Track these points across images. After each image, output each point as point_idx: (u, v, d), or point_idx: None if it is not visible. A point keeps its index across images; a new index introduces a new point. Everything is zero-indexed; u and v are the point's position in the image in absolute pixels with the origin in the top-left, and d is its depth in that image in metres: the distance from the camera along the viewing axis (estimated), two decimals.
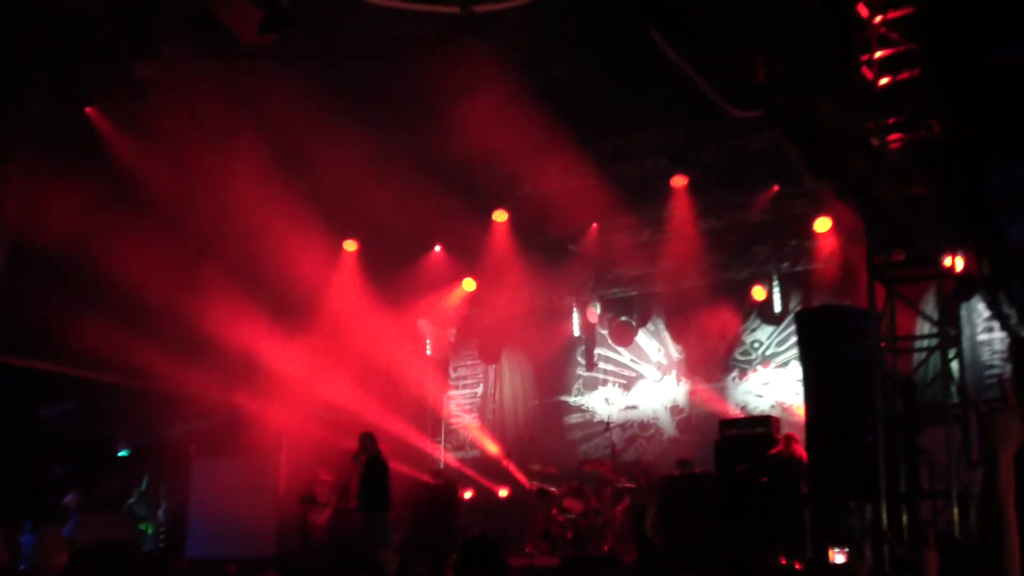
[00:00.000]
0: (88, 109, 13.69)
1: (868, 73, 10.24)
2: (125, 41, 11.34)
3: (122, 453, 17.00)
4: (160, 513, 16.15)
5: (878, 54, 10.22)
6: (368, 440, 13.20)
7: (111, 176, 13.76)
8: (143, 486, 16.44)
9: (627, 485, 15.36)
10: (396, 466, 13.97)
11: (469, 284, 18.78)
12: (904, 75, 10.10)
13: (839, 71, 9.98)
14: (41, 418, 14.69)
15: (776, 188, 15.86)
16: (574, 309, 19.35)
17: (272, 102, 13.92)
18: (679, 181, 16.02)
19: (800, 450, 12.75)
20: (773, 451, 12.91)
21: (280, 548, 14.45)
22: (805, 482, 12.32)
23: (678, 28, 7.38)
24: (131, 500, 16.16)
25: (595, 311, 18.86)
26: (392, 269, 18.43)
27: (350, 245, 18.35)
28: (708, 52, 7.61)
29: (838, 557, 10.75)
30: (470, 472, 18.90)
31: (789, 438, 12.98)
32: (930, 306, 10.97)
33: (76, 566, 3.08)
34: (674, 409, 18.53)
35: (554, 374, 19.79)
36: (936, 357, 10.38)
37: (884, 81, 10.20)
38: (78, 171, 13.32)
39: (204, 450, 16.54)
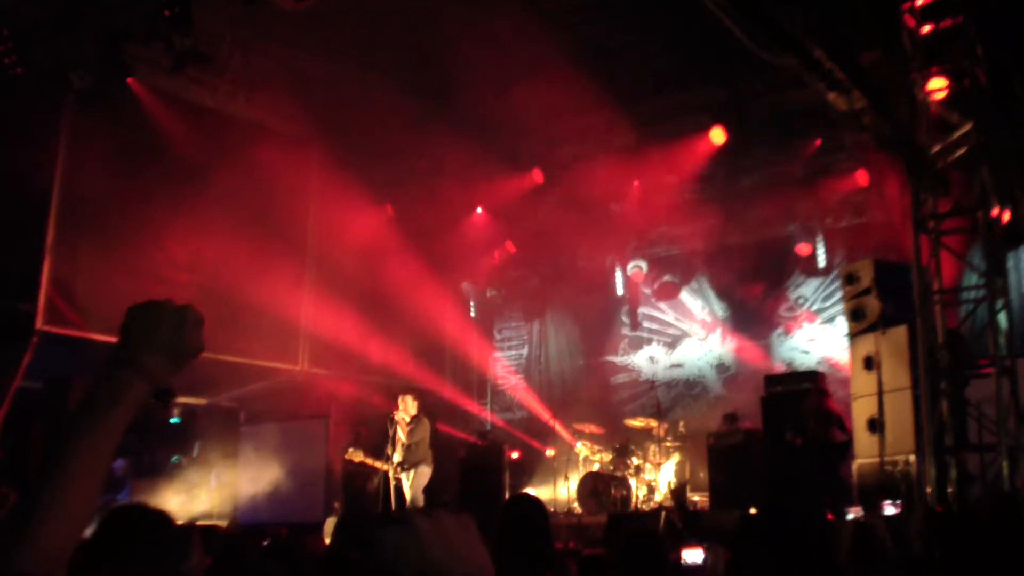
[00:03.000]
0: (131, 81, 13.78)
1: (910, 21, 10.07)
2: (164, 13, 11.38)
3: (173, 420, 17.22)
4: (212, 479, 16.36)
5: (919, 1, 10.05)
6: (408, 401, 13.26)
7: (156, 146, 13.88)
8: (195, 452, 16.65)
9: (674, 443, 15.41)
10: (443, 427, 14.06)
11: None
12: (947, 22, 9.93)
13: (883, 18, 9.83)
14: (84, 387, 14.92)
15: (819, 142, 15.70)
16: (617, 269, 19.30)
17: (311, 68, 13.97)
18: (718, 136, 15.88)
19: (831, 403, 12.69)
20: (805, 405, 12.80)
21: (328, 512, 14.58)
22: (840, 431, 12.28)
23: None
24: (182, 466, 16.37)
25: (641, 270, 18.80)
26: (434, 232, 18.46)
27: (392, 209, 18.40)
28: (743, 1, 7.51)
29: (888, 510, 10.70)
30: (517, 433, 18.99)
31: (821, 391, 12.85)
32: (977, 257, 10.82)
33: (106, 530, 3.07)
34: (720, 367, 18.49)
35: (599, 334, 19.79)
36: (984, 308, 10.25)
37: (927, 29, 10.04)
38: (124, 141, 13.47)
39: (254, 416, 16.72)
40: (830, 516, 11.15)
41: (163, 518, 3.10)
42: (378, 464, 13.09)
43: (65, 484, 1.84)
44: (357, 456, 13.16)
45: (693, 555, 9.23)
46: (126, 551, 2.91)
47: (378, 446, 13.44)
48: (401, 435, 12.95)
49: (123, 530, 2.99)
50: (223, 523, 15.29)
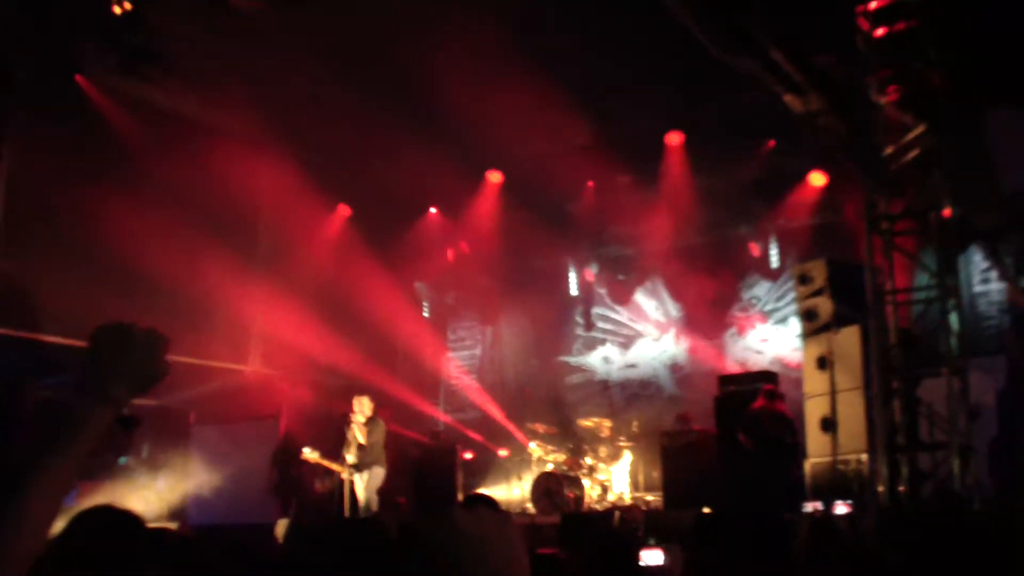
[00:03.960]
0: (78, 77, 13.56)
1: (864, 24, 10.13)
2: (113, 10, 11.18)
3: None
4: (161, 481, 16.16)
5: (873, 4, 10.12)
6: (364, 402, 13.19)
7: (104, 144, 13.68)
8: (144, 454, 16.44)
9: (627, 443, 15.44)
10: (395, 428, 13.98)
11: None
12: (900, 26, 9.99)
13: (838, 21, 9.89)
14: (41, 389, 14.66)
15: (772, 144, 15.79)
16: (571, 269, 19.32)
17: (265, 69, 13.84)
18: (674, 138, 15.94)
19: (782, 405, 12.79)
20: (755, 406, 12.87)
21: (280, 514, 14.45)
22: (790, 436, 12.39)
23: None
24: (130, 468, 16.16)
25: (592, 271, 18.83)
26: (387, 232, 18.36)
27: (345, 209, 18.30)
28: (707, 4, 7.51)
29: (840, 509, 10.77)
30: (470, 433, 18.94)
31: (771, 393, 12.93)
32: (930, 258, 10.91)
33: (75, 529, 3.02)
34: (674, 367, 18.56)
35: (553, 334, 19.80)
36: (935, 309, 10.34)
37: (880, 32, 10.10)
38: (70, 139, 13.24)
39: (203, 417, 16.54)
40: (787, 515, 11.20)
41: (132, 519, 3.05)
42: (333, 465, 12.99)
43: (27, 509, 1.92)
44: (313, 457, 13.05)
45: (652, 556, 9.20)
46: (94, 553, 2.85)
47: (333, 447, 13.35)
48: (358, 436, 12.87)
49: (91, 532, 2.93)
50: (173, 525, 15.10)
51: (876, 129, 10.07)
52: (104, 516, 3.04)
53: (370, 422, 13.03)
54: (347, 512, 12.85)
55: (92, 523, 2.99)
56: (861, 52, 9.99)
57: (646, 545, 9.68)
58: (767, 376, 13.94)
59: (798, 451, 12.32)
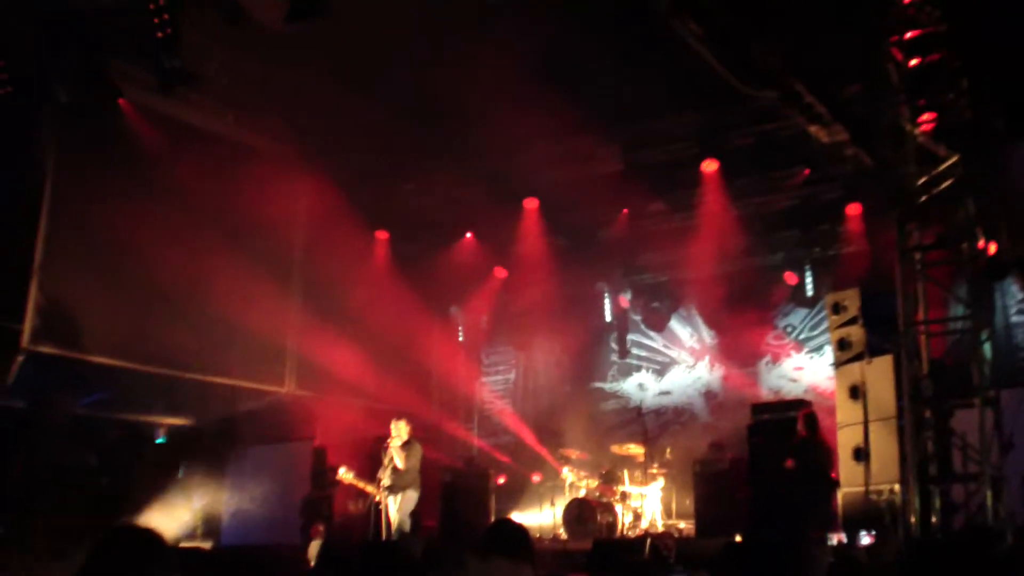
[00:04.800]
0: (121, 100, 13.81)
1: (898, 55, 10.15)
2: (152, 33, 11.39)
3: (159, 441, 17.19)
4: (196, 500, 16.32)
5: (908, 35, 10.14)
6: (402, 426, 13.25)
7: (142, 164, 13.89)
8: (180, 474, 16.61)
9: (660, 470, 15.42)
10: (428, 452, 14.01)
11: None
12: (934, 56, 10.01)
13: (864, 53, 9.91)
14: (76, 407, 14.86)
15: (806, 172, 15.77)
16: (606, 295, 19.34)
17: (299, 89, 14.01)
18: (710, 166, 15.96)
19: (824, 435, 12.74)
20: (803, 434, 12.84)
21: (312, 535, 14.53)
22: (831, 468, 12.34)
23: (691, 9, 7.35)
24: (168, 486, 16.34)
25: (626, 297, 18.84)
26: (423, 256, 18.48)
27: (382, 234, 18.44)
28: (722, 35, 7.58)
29: (864, 539, 10.73)
30: (503, 458, 18.97)
31: (812, 419, 12.86)
32: (963, 289, 10.87)
33: (102, 550, 3.11)
34: (708, 394, 18.52)
35: (587, 360, 19.81)
36: (968, 339, 10.29)
37: (914, 62, 10.12)
38: (110, 159, 13.47)
39: (239, 438, 16.69)
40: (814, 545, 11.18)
41: (156, 539, 3.13)
42: (368, 487, 13.06)
43: None
44: (348, 477, 13.13)
45: None
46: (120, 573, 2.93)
47: (367, 469, 13.43)
48: (396, 459, 12.92)
49: (118, 552, 3.02)
50: (206, 544, 15.24)
51: (908, 159, 10.07)
52: (129, 537, 3.13)
53: (407, 445, 13.08)
54: (381, 534, 12.91)
55: (118, 544, 3.08)
56: (894, 83, 10.01)
57: (674, 572, 9.71)
58: (800, 404, 13.89)
59: (837, 482, 12.29)
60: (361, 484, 13.15)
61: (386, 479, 12.94)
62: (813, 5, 9.03)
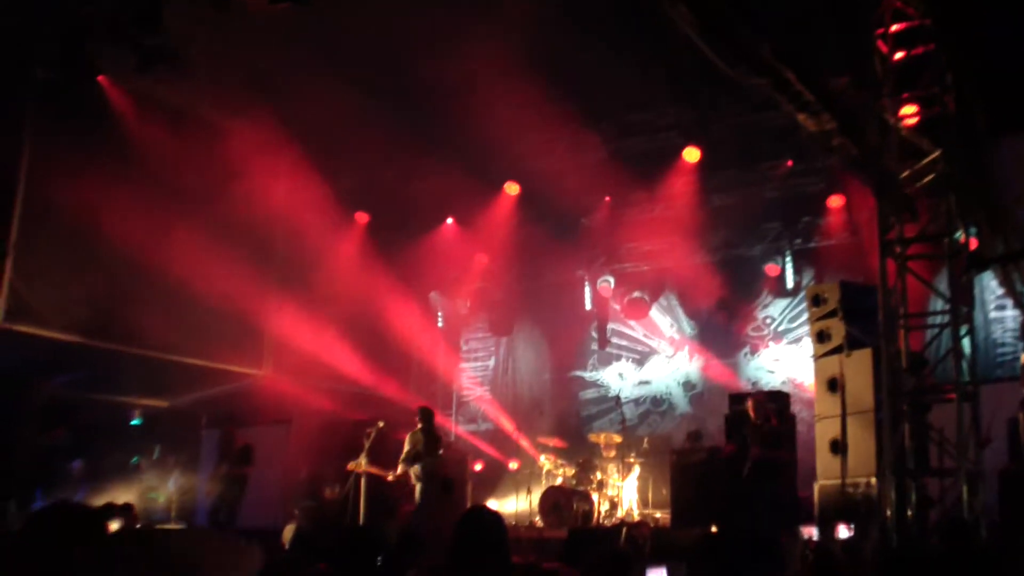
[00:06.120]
0: (100, 78, 13.65)
1: (883, 47, 10.13)
2: (132, 11, 11.24)
3: (135, 422, 17.08)
4: (171, 483, 16.22)
5: (893, 28, 10.11)
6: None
7: (121, 144, 13.76)
8: (155, 455, 16.50)
9: (637, 459, 15.42)
10: (404, 438, 14.02)
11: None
12: (919, 50, 9.99)
13: (854, 45, 9.89)
14: (51, 387, 14.75)
15: (789, 164, 15.77)
16: (586, 283, 19.31)
17: (285, 76, 13.91)
18: (692, 155, 15.93)
19: (775, 420, 12.76)
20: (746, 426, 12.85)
21: (289, 518, 14.49)
22: (783, 451, 12.39)
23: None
24: (142, 468, 16.25)
25: (609, 285, 18.81)
26: (404, 241, 18.41)
27: (362, 217, 18.36)
28: (714, 21, 7.52)
29: (843, 532, 10.72)
30: (481, 444, 18.95)
31: (758, 405, 12.85)
32: (943, 283, 10.88)
33: (33, 528, 3.06)
34: (687, 384, 18.53)
35: (567, 348, 19.78)
36: (948, 334, 10.30)
37: (899, 55, 10.09)
38: (88, 138, 13.34)
39: (214, 421, 16.59)
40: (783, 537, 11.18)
41: (87, 515, 3.08)
42: (388, 474, 13.46)
43: None
44: (360, 466, 13.27)
45: (656, 574, 9.20)
46: (50, 550, 2.89)
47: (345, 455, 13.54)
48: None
49: (47, 528, 2.97)
50: (181, 527, 15.14)
51: (891, 152, 10.05)
52: (59, 514, 3.09)
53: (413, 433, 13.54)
54: (360, 519, 13.05)
55: (48, 520, 3.04)
56: (878, 75, 9.98)
57: (652, 562, 9.69)
58: (778, 396, 13.91)
59: (789, 468, 12.31)
60: (376, 470, 13.43)
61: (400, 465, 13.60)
62: None
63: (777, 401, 13.66)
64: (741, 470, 12.28)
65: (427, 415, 14.07)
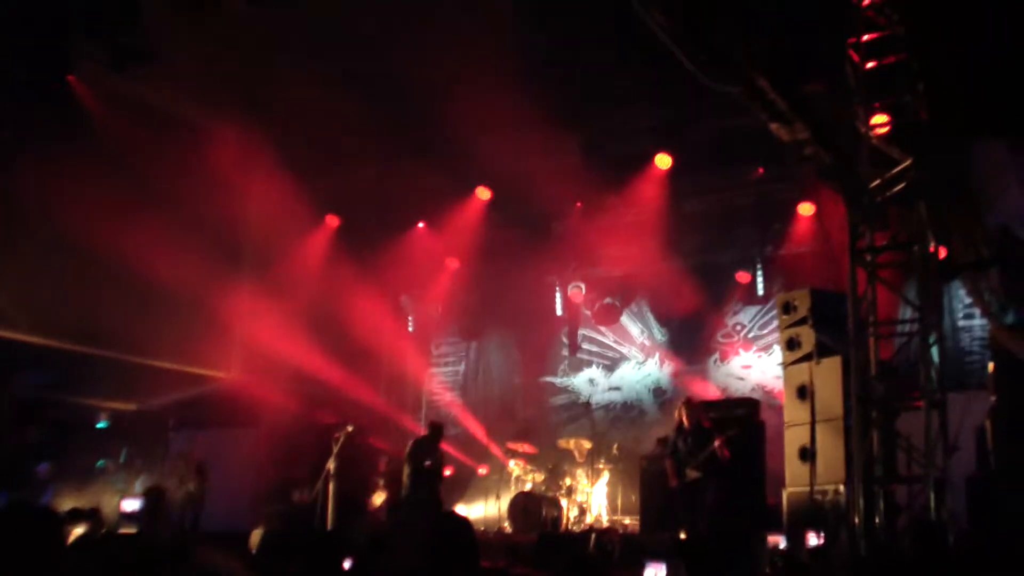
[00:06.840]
0: (70, 77, 13.54)
1: (855, 56, 10.18)
2: (108, 9, 11.18)
3: (101, 425, 16.93)
4: (138, 485, 16.09)
5: (865, 37, 10.16)
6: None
7: (91, 141, 13.65)
8: (122, 458, 16.37)
9: (606, 465, 15.42)
10: (374, 442, 13.98)
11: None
12: (891, 59, 10.04)
13: (828, 54, 9.94)
14: (17, 388, 14.60)
15: (761, 171, 15.83)
16: (557, 289, 19.30)
17: (257, 74, 13.84)
18: (664, 161, 15.97)
19: (707, 423, 12.88)
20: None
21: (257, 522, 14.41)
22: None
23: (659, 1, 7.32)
24: (109, 471, 16.10)
25: (580, 291, 18.81)
26: (374, 244, 18.35)
27: (332, 220, 18.28)
28: (688, 29, 7.55)
29: (812, 540, 10.75)
30: (450, 450, 18.88)
31: (689, 405, 12.99)
32: (912, 291, 10.93)
33: None
34: (657, 391, 18.55)
35: (538, 354, 19.76)
36: (916, 342, 10.35)
37: (871, 64, 10.15)
38: (59, 136, 13.23)
39: (182, 423, 16.48)
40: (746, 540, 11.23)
41: (47, 514, 3.06)
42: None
43: None
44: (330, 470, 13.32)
45: (655, 570, 9.16)
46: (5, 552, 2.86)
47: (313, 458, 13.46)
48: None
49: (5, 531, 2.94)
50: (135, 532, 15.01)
51: (862, 161, 10.10)
52: (20, 516, 3.06)
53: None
54: (328, 522, 12.97)
55: (8, 523, 3.01)
56: (850, 84, 10.03)
57: (651, 559, 9.65)
58: (747, 403, 13.96)
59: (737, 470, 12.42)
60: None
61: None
62: (778, 3, 9.02)
63: (744, 407, 13.72)
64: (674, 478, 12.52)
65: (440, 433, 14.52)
